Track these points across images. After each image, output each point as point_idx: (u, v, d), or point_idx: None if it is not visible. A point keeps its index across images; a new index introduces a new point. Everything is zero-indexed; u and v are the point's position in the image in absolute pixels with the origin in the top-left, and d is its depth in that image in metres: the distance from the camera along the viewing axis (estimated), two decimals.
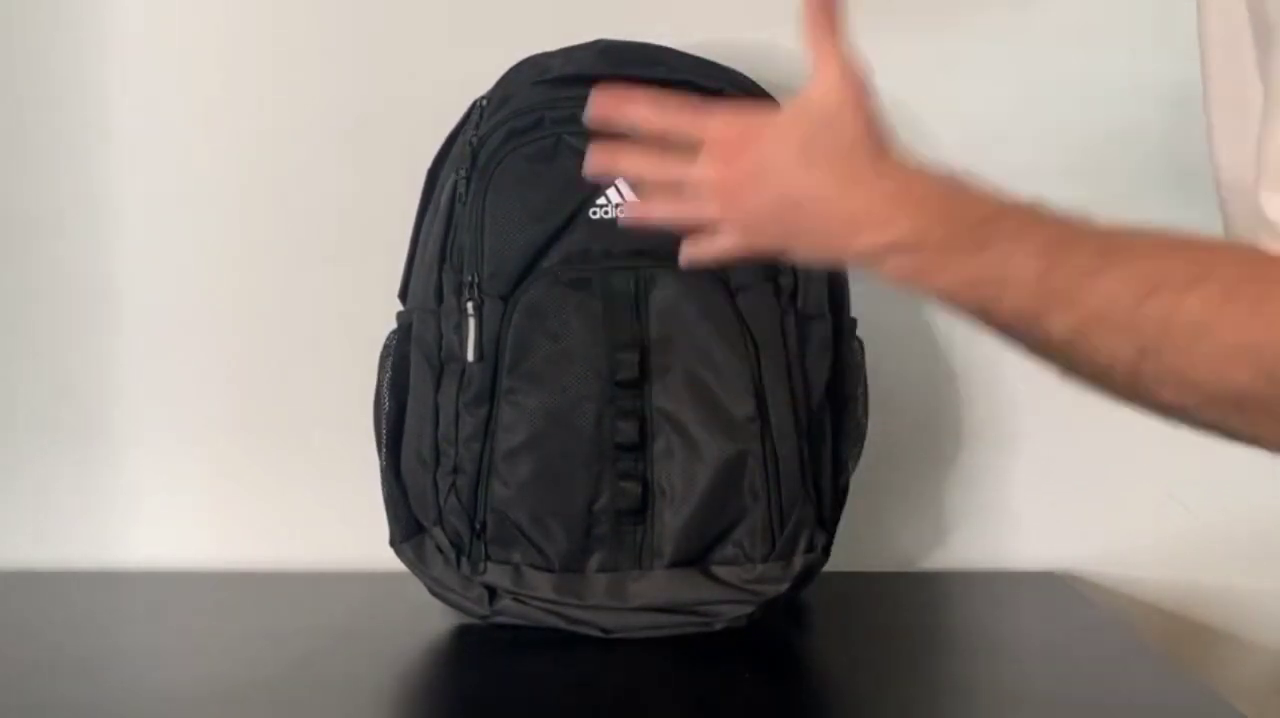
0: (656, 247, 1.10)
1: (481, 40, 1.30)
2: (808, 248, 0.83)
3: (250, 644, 1.15)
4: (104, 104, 1.34)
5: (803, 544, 1.11)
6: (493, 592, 1.13)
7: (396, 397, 1.16)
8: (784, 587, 1.11)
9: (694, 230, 0.87)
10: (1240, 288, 0.70)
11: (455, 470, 1.12)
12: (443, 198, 1.14)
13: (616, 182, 1.10)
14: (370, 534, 1.17)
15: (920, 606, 1.29)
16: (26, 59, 1.34)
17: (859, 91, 0.80)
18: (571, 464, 1.10)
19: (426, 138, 1.17)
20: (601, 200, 1.11)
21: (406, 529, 1.15)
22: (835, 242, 0.80)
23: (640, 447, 1.10)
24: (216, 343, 1.36)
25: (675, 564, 1.11)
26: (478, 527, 1.12)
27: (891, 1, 1.26)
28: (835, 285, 1.16)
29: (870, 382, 1.18)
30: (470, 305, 1.11)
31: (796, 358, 1.12)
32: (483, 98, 1.16)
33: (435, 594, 1.15)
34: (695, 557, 1.11)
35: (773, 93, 1.15)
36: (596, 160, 0.88)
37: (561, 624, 1.12)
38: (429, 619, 1.16)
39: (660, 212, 0.88)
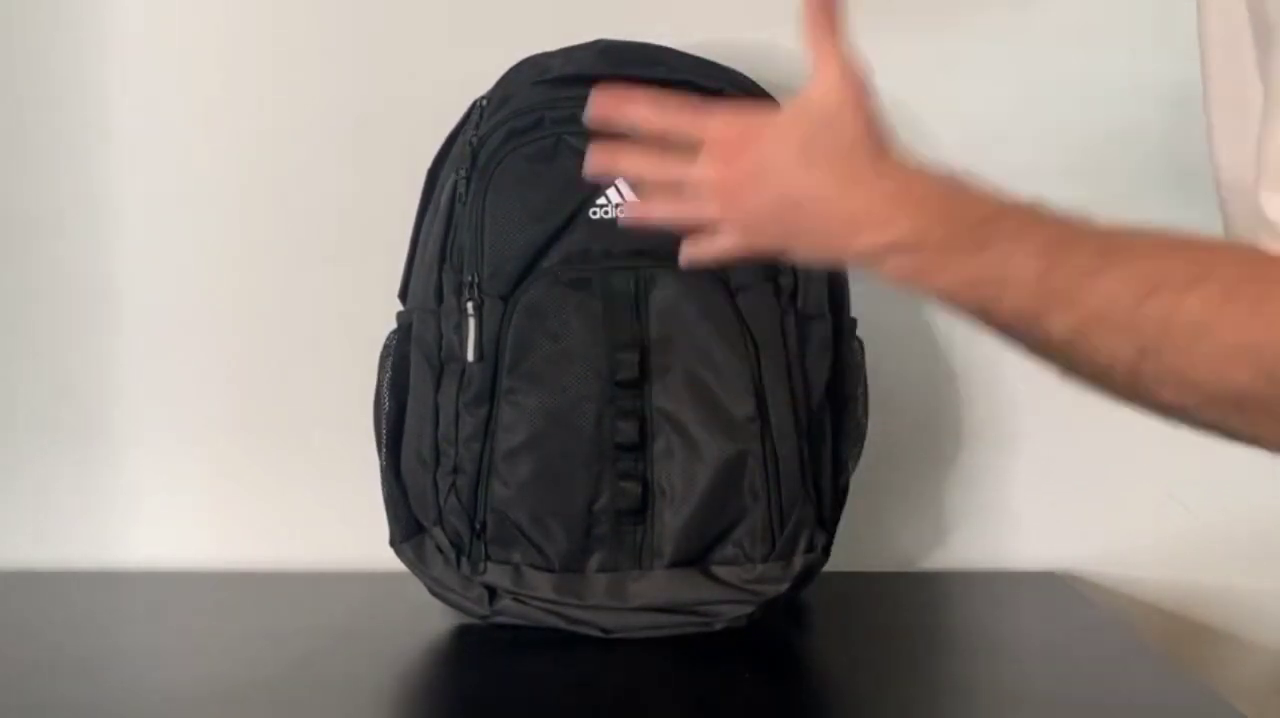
0: (656, 247, 1.10)
1: (481, 40, 1.30)
2: (808, 248, 0.83)
3: (250, 644, 1.15)
4: (104, 104, 1.34)
5: (803, 544, 1.11)
6: (493, 592, 1.13)
7: (396, 397, 1.16)
8: (784, 587, 1.11)
9: (694, 230, 0.87)
10: (1240, 288, 0.70)
11: (455, 470, 1.12)
12: (443, 198, 1.14)
13: (616, 182, 1.10)
14: (370, 534, 1.17)
15: (920, 606, 1.29)
16: (26, 59, 1.34)
17: (859, 91, 0.80)
18: (571, 464, 1.10)
19: (426, 138, 1.17)
20: (601, 200, 1.11)
21: (406, 529, 1.15)
22: (835, 242, 0.80)
23: (640, 447, 1.10)
24: (216, 343, 1.36)
25: (675, 564, 1.11)
26: (478, 527, 1.12)
27: (891, 1, 1.27)
28: (835, 285, 1.16)
29: (870, 382, 1.18)
30: (470, 305, 1.11)
31: (796, 358, 1.12)
32: (483, 98, 1.16)
33: (435, 594, 1.15)
34: (695, 557, 1.11)
35: (773, 93, 1.15)
36: (596, 160, 0.88)
37: (561, 624, 1.12)
38: (429, 619, 1.16)
39: (660, 212, 0.87)
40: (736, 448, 1.10)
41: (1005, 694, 1.05)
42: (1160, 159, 1.31)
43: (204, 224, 1.35)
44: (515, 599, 1.12)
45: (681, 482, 1.10)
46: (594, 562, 1.11)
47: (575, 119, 1.11)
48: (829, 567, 1.15)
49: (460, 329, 1.12)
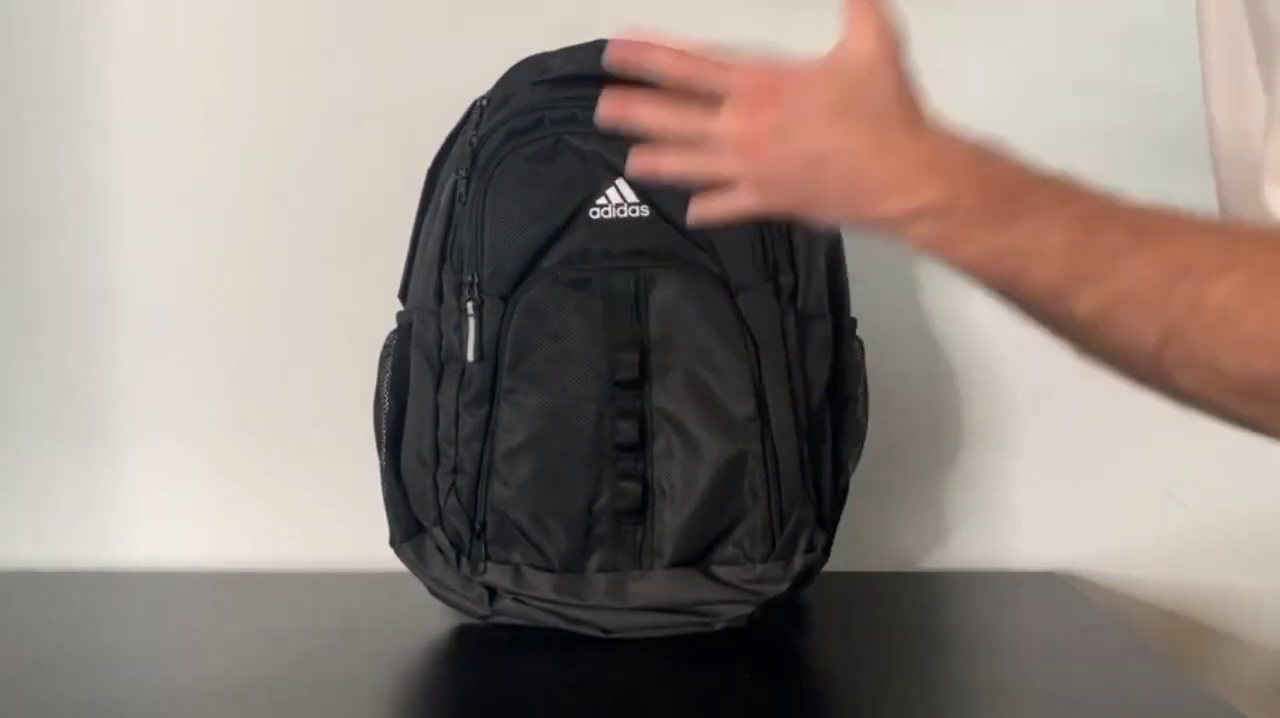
0: (656, 247, 1.10)
1: (481, 40, 1.30)
2: (829, 209, 0.80)
3: (250, 644, 1.15)
4: (104, 104, 1.34)
5: (803, 544, 1.11)
6: (493, 592, 1.13)
7: (396, 397, 1.16)
8: (784, 587, 1.11)
9: (708, 186, 0.83)
10: (1271, 277, 0.68)
11: (455, 470, 1.12)
12: (443, 198, 1.14)
13: (617, 181, 1.10)
14: (370, 534, 1.17)
15: (920, 606, 1.29)
16: (26, 59, 1.34)
17: (895, 50, 0.78)
18: (571, 464, 1.10)
19: (426, 138, 1.17)
20: (601, 200, 1.11)
21: (406, 529, 1.15)
22: (860, 204, 0.78)
23: (640, 447, 1.10)
24: (216, 343, 1.36)
25: (675, 564, 1.11)
26: (478, 527, 1.12)
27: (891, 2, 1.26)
28: (835, 285, 1.16)
29: (870, 382, 1.18)
30: (470, 305, 1.11)
31: (796, 358, 1.12)
32: (483, 98, 1.16)
33: (435, 594, 1.15)
34: (695, 557, 1.11)
35: None
36: (609, 108, 0.84)
37: (561, 624, 1.12)
38: (429, 619, 1.16)
39: (673, 164, 0.83)
40: (736, 448, 1.10)
41: (1005, 694, 1.05)
42: (1162, 158, 1.31)
43: (204, 224, 1.35)
44: (515, 599, 1.12)
45: (681, 482, 1.10)
46: (594, 562, 1.11)
47: (575, 119, 1.11)
48: (829, 567, 1.15)
49: (460, 329, 1.12)
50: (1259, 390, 0.69)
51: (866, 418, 1.18)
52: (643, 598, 1.11)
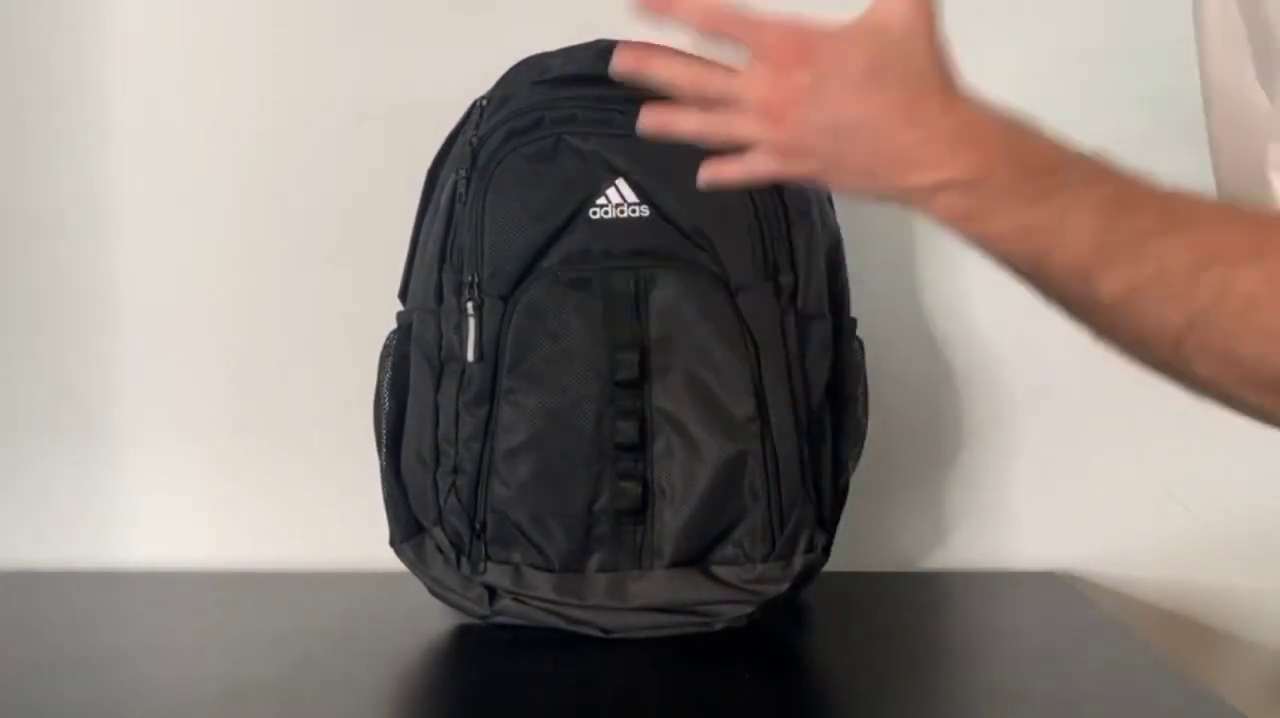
0: (656, 247, 1.10)
1: (481, 40, 1.30)
2: (850, 178, 0.78)
3: (250, 644, 1.15)
4: (104, 104, 1.34)
5: (803, 544, 1.11)
6: (493, 592, 1.13)
7: (396, 397, 1.16)
8: (784, 587, 1.11)
9: (724, 148, 0.80)
10: None
11: (455, 470, 1.12)
12: (443, 198, 1.14)
13: (617, 181, 1.10)
14: (370, 534, 1.17)
15: (920, 606, 1.29)
16: (26, 59, 1.34)
17: (930, 18, 0.76)
18: (571, 464, 1.10)
19: (426, 138, 1.17)
20: (601, 200, 1.11)
21: (406, 529, 1.15)
22: (885, 174, 0.76)
23: (640, 447, 1.10)
24: (216, 343, 1.36)
25: (675, 564, 1.11)
26: (478, 527, 1.12)
27: None
28: (835, 285, 1.16)
29: (870, 382, 1.18)
30: (470, 305, 1.11)
31: (796, 358, 1.11)
32: (483, 98, 1.16)
33: (435, 594, 1.15)
34: (695, 557, 1.11)
35: None
36: (624, 60, 0.80)
37: (561, 624, 1.12)
38: (429, 619, 1.16)
39: (689, 123, 0.80)
40: (736, 448, 1.10)
41: (1005, 694, 1.05)
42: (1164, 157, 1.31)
43: (204, 224, 1.35)
44: (515, 599, 1.12)
45: (681, 482, 1.10)
46: (594, 562, 1.11)
47: (575, 119, 1.11)
48: (829, 567, 1.15)
49: (460, 329, 1.12)
50: (1274, 382, 0.69)
51: (866, 418, 1.18)
52: (643, 598, 1.11)
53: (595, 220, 1.11)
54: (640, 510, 1.11)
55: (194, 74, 1.35)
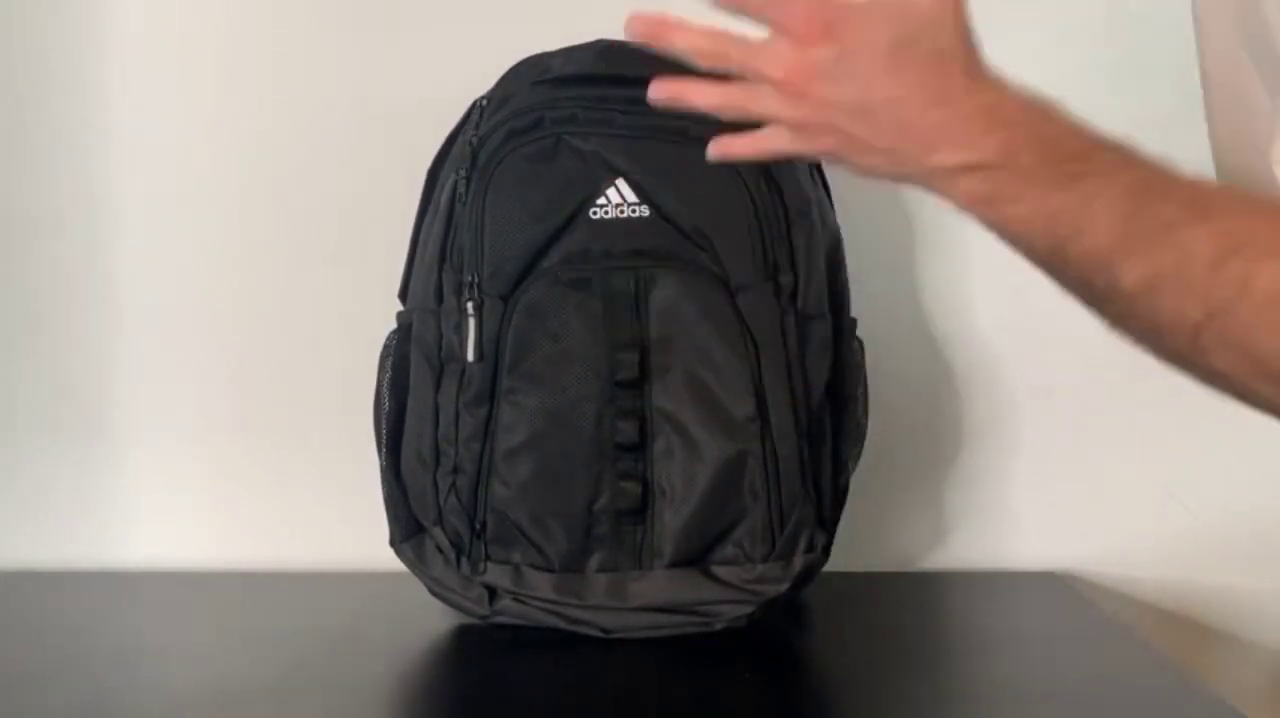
0: (656, 247, 1.10)
1: (481, 40, 1.30)
2: (871, 158, 0.76)
3: (250, 644, 1.15)
4: (104, 104, 1.34)
5: (803, 544, 1.11)
6: (493, 592, 1.13)
7: (396, 397, 1.16)
8: (784, 587, 1.11)
9: (740, 122, 0.79)
10: None
11: (455, 470, 1.12)
12: (443, 198, 1.14)
13: (617, 181, 1.10)
14: (370, 534, 1.17)
15: (920, 606, 1.29)
16: (26, 59, 1.34)
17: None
18: (571, 464, 1.10)
19: (426, 138, 1.17)
20: (601, 200, 1.11)
21: (406, 529, 1.15)
22: (908, 154, 0.74)
23: (640, 447, 1.10)
24: (216, 343, 1.36)
25: (675, 564, 1.11)
26: (478, 527, 1.12)
27: None
28: (835, 285, 1.16)
29: (870, 382, 1.18)
30: (470, 305, 1.11)
31: (796, 358, 1.11)
32: (483, 98, 1.16)
33: (435, 594, 1.15)
34: (695, 557, 1.11)
35: None
36: (638, 26, 0.78)
37: (561, 624, 1.12)
38: (429, 619, 1.16)
39: (704, 95, 0.78)
40: (736, 448, 1.10)
41: (1005, 694, 1.05)
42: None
43: (204, 224, 1.35)
44: (515, 599, 1.12)
45: (681, 482, 1.10)
46: (594, 562, 1.11)
47: (575, 119, 1.11)
48: (829, 567, 1.15)
49: (460, 329, 1.12)
50: None
51: (866, 418, 1.18)
52: (643, 598, 1.11)
53: (595, 220, 1.11)
54: (640, 510, 1.11)
55: (194, 74, 1.35)
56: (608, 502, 1.11)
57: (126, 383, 1.36)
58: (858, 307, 1.18)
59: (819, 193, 1.17)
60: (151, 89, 1.34)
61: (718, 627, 1.11)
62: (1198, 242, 0.69)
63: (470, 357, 1.11)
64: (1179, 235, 0.69)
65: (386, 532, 1.16)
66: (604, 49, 1.14)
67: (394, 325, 1.17)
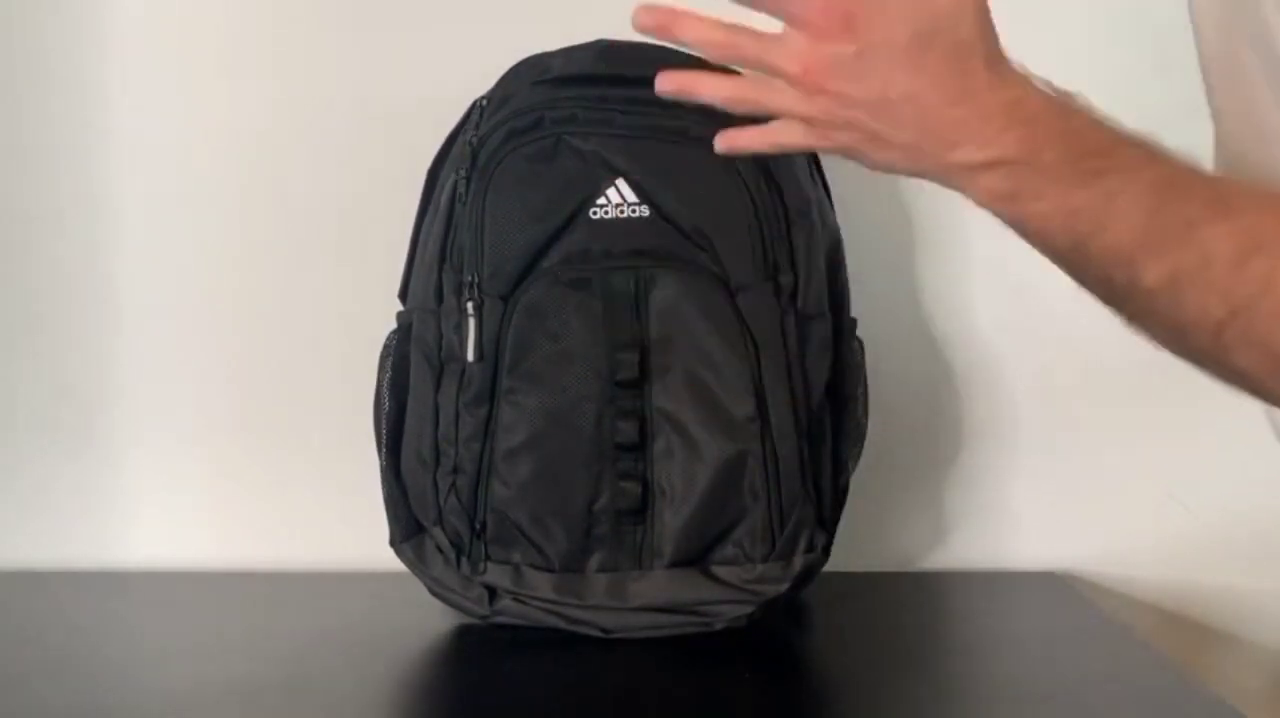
0: (656, 247, 1.10)
1: (481, 40, 1.30)
2: (889, 154, 0.75)
3: (250, 644, 1.15)
4: (104, 104, 1.34)
5: (803, 544, 1.11)
6: (493, 592, 1.13)
7: (396, 397, 1.16)
8: (784, 587, 1.11)
9: (751, 116, 0.76)
10: None
11: (455, 470, 1.12)
12: (443, 198, 1.14)
13: (617, 181, 1.10)
14: (370, 534, 1.17)
15: (920, 606, 1.29)
16: (26, 59, 1.34)
17: None
18: (571, 464, 1.10)
19: (426, 138, 1.17)
20: (601, 200, 1.11)
21: (406, 529, 1.15)
22: (928, 151, 0.73)
23: (640, 447, 1.10)
24: (216, 343, 1.36)
25: (675, 564, 1.11)
26: (478, 527, 1.12)
27: None
28: (835, 285, 1.16)
29: (870, 382, 1.18)
30: (470, 305, 1.11)
31: (796, 358, 1.11)
32: (483, 98, 1.16)
33: (435, 594, 1.15)
34: (695, 557, 1.11)
35: None
36: (647, 17, 0.75)
37: (561, 624, 1.12)
38: (429, 619, 1.15)
39: (715, 88, 0.77)
40: (736, 448, 1.10)
41: (1005, 694, 1.05)
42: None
43: (204, 224, 1.35)
44: (515, 599, 1.12)
45: (681, 482, 1.10)
46: (594, 562, 1.11)
47: (575, 119, 1.11)
48: (829, 567, 1.15)
49: (460, 329, 1.12)
50: None
51: (866, 418, 1.18)
52: (643, 598, 1.11)
53: (595, 220, 1.11)
54: (640, 510, 1.11)
55: (194, 74, 1.35)
56: (608, 502, 1.11)
57: (126, 383, 1.36)
58: (858, 307, 1.18)
59: (819, 193, 1.17)
60: (151, 89, 1.34)
61: (718, 627, 1.11)
62: (1220, 239, 0.69)
63: (470, 357, 1.11)
64: (1201, 233, 0.69)
65: (386, 532, 1.16)
66: (604, 49, 1.14)
67: (394, 325, 1.17)
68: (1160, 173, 0.71)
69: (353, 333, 1.28)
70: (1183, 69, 0.91)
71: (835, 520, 1.15)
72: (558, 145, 1.11)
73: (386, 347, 1.17)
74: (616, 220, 1.10)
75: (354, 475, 1.24)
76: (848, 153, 0.76)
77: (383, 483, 1.16)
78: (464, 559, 1.13)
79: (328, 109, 1.33)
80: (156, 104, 1.34)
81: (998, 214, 0.74)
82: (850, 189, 1.21)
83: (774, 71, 0.75)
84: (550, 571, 1.11)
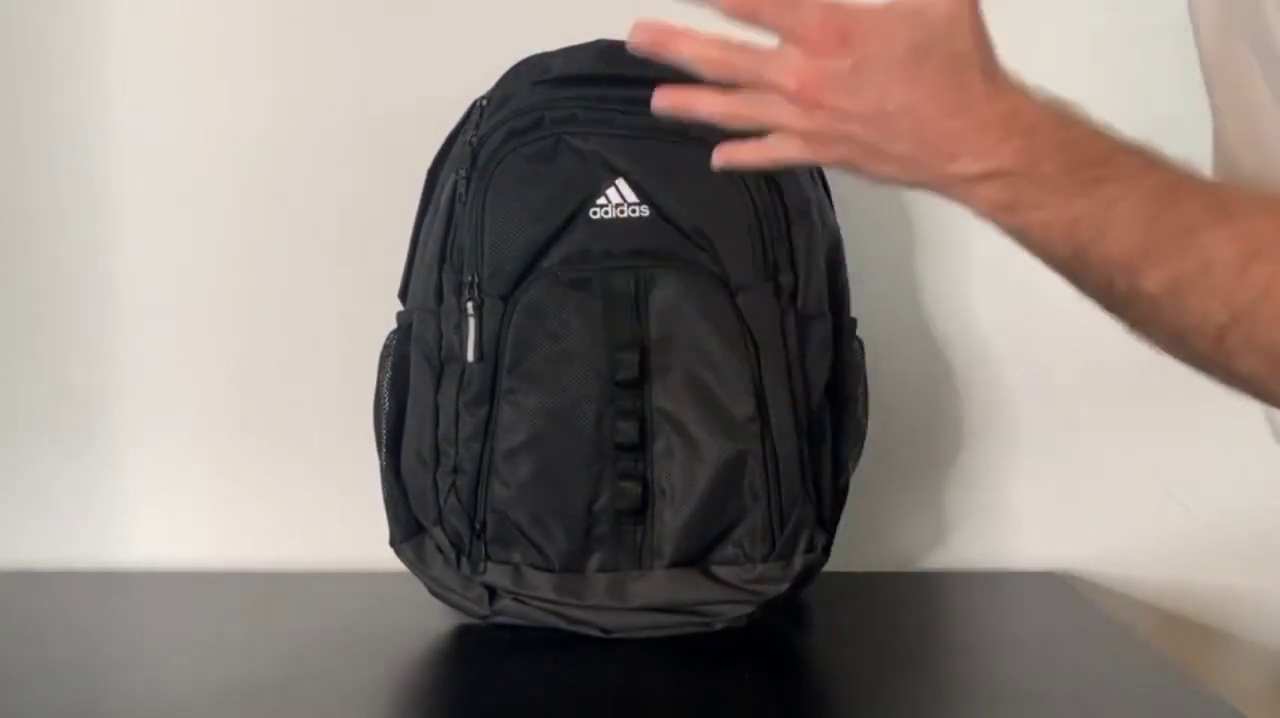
0: (656, 247, 1.10)
1: (481, 40, 1.30)
2: (887, 166, 0.75)
3: (250, 644, 1.15)
4: (104, 104, 1.34)
5: (803, 544, 1.11)
6: (493, 592, 1.13)
7: (396, 397, 1.16)
8: (784, 587, 1.11)
9: (745, 132, 0.76)
10: None
11: (455, 470, 1.12)
12: (443, 198, 1.14)
13: (617, 181, 1.10)
14: (370, 534, 1.17)
15: (920, 606, 1.29)
16: (26, 59, 1.34)
17: (973, 1, 0.73)
18: (571, 464, 1.10)
19: (426, 138, 1.17)
20: (601, 200, 1.11)
21: (406, 529, 1.15)
22: (926, 163, 0.73)
23: (640, 447, 1.10)
24: (216, 343, 1.36)
25: (675, 564, 1.11)
26: (478, 527, 1.12)
27: None
28: (835, 285, 1.16)
29: (870, 382, 1.18)
30: (470, 305, 1.11)
31: (796, 358, 1.11)
32: (483, 98, 1.16)
33: (435, 594, 1.15)
34: (695, 557, 1.11)
35: None
36: (641, 34, 0.75)
37: (561, 624, 1.12)
38: (429, 619, 1.16)
39: (712, 105, 0.76)
40: (736, 448, 1.10)
41: (1005, 694, 1.05)
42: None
43: (204, 224, 1.35)
44: (515, 599, 1.12)
45: (681, 482, 1.10)
46: (594, 562, 1.11)
47: (575, 119, 1.11)
48: (829, 567, 1.15)
49: (460, 329, 1.12)
50: None
51: (866, 418, 1.18)
52: (643, 598, 1.11)
53: (595, 220, 1.11)
54: (640, 510, 1.11)
55: (194, 74, 1.35)
56: (608, 502, 1.11)
57: (126, 383, 1.36)
58: (858, 307, 1.18)
59: (819, 193, 1.17)
60: (151, 89, 1.34)
61: (718, 627, 1.11)
62: (1221, 245, 0.69)
63: (470, 357, 1.11)
64: (1202, 239, 0.69)
65: (386, 532, 1.16)
66: (604, 49, 1.14)
67: (394, 325, 1.17)
68: (1159, 180, 0.71)
69: (353, 333, 1.28)
70: (1183, 71, 0.91)
71: (835, 521, 1.15)
72: (558, 145, 1.11)
73: (386, 347, 1.17)
74: (616, 220, 1.10)
75: (354, 475, 1.24)
76: (846, 166, 0.76)
77: (383, 483, 1.16)
78: (464, 559, 1.13)
79: (328, 109, 1.33)
80: (156, 104, 1.34)
81: (998, 224, 0.74)
82: (850, 189, 1.21)
83: (771, 87, 0.75)
84: (550, 571, 1.11)
